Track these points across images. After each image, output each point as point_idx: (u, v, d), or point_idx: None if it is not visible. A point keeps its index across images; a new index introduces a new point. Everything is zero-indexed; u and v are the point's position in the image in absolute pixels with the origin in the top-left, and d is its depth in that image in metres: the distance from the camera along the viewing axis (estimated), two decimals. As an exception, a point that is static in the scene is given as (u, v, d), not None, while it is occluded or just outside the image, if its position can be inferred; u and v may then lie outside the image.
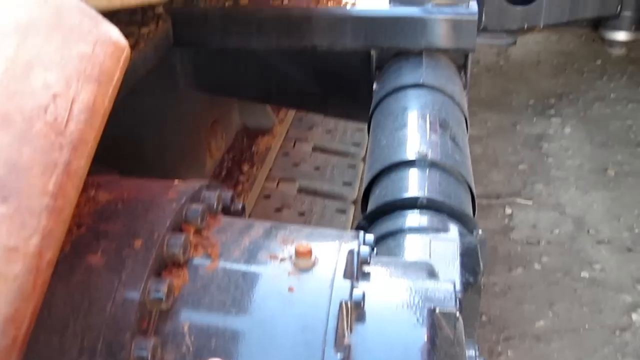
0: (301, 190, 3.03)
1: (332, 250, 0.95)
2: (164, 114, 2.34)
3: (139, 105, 1.87)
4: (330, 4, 2.11)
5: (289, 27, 2.11)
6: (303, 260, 0.91)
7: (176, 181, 1.06)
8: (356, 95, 2.25)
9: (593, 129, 4.07)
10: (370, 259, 0.97)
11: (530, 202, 3.32)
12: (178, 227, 0.94)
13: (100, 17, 0.66)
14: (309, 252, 0.91)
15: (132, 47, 1.67)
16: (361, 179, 3.19)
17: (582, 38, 5.32)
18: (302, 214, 2.85)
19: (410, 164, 1.50)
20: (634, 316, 2.62)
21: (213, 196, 1.03)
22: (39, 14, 0.63)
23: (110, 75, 0.62)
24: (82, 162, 0.65)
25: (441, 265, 1.14)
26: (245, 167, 2.90)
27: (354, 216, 2.92)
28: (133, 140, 2.01)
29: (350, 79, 2.26)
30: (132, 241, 0.88)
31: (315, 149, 3.36)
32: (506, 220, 3.21)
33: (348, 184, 3.11)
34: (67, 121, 0.58)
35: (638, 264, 2.91)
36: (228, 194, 1.11)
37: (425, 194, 1.36)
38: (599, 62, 5.00)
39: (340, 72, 2.26)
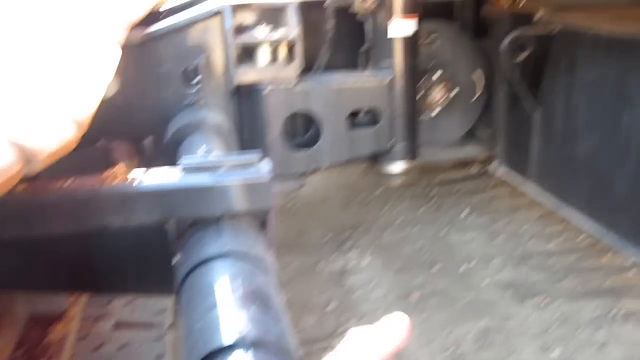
0: (108, 376, 2.76)
1: None
2: None
3: None
4: (118, 180, 2.00)
5: (75, 210, 1.96)
6: None
7: None
8: (157, 269, 2.12)
9: (389, 256, 4.24)
10: None
11: (346, 342, 3.31)
12: None
13: None
14: None
15: None
16: (171, 351, 2.99)
17: (361, 170, 5.66)
18: (112, 404, 2.57)
19: (230, 349, 1.39)
20: None
21: None
22: None
23: None
24: None
25: None
26: (40, 364, 2.58)
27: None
28: None
29: (148, 253, 2.13)
30: None
31: (116, 325, 3.11)
32: (327, 365, 3.15)
33: (159, 357, 2.89)
34: None
35: (459, 387, 2.98)
36: None
37: (254, 383, 1.25)
38: (380, 190, 5.31)
39: (137, 248, 2.12)
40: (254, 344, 1.40)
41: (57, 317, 2.94)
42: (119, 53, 2.24)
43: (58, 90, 1.41)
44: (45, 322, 2.91)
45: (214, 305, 1.57)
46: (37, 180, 2.10)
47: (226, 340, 1.40)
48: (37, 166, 1.00)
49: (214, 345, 1.41)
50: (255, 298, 1.62)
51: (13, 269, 2.20)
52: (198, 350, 1.44)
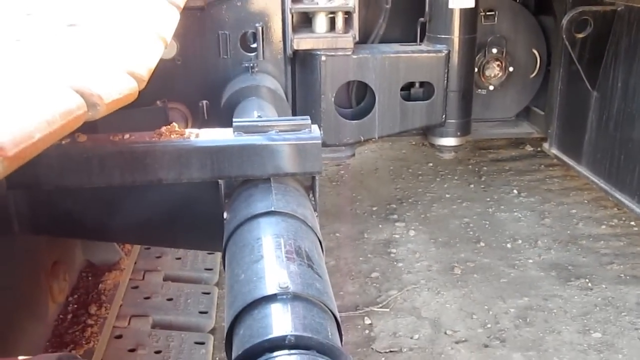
0: (155, 325, 2.88)
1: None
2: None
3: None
4: (173, 136, 2.08)
5: (132, 162, 2.04)
6: None
7: (20, 358, 0.95)
8: (207, 225, 2.20)
9: (435, 229, 4.26)
10: None
11: (387, 310, 3.37)
12: (27, 420, 0.82)
13: None
14: None
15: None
16: (217, 305, 3.09)
17: (413, 143, 5.66)
18: (158, 352, 2.68)
19: (272, 298, 1.46)
20: (500, 414, 2.67)
21: (65, 373, 0.93)
22: None
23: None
24: None
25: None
26: (93, 309, 2.71)
27: (213, 346, 2.81)
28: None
29: (199, 209, 2.22)
30: None
31: (166, 278, 3.23)
32: (367, 331, 3.21)
33: (204, 312, 3.00)
34: None
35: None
36: (82, 364, 1.01)
37: (292, 332, 1.31)
38: (430, 165, 5.32)
39: (188, 203, 2.21)
40: (295, 296, 1.46)
41: (110, 267, 3.07)
42: (177, 15, 2.30)
43: (119, 44, 1.48)
44: (99, 271, 3.05)
45: (260, 258, 1.64)
46: (98, 134, 2.20)
47: (269, 290, 1.47)
48: (100, 112, 1.07)
49: (256, 295, 1.48)
50: (301, 255, 1.68)
51: (71, 217, 2.31)
52: (242, 299, 1.51)
